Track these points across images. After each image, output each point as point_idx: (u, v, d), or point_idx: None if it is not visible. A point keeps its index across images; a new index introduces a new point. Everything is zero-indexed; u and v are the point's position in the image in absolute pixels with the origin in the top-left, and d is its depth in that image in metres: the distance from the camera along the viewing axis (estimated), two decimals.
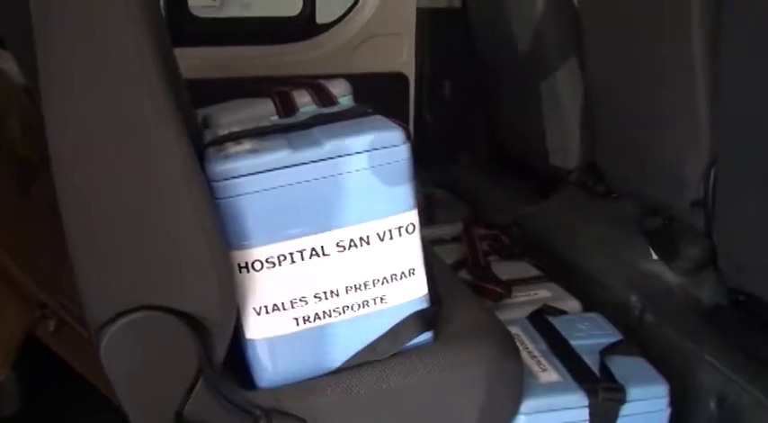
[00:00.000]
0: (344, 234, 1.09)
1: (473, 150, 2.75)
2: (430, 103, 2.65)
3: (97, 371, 1.73)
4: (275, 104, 1.33)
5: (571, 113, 2.15)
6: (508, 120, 2.55)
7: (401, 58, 2.58)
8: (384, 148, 1.09)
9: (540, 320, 1.54)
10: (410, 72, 2.60)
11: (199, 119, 1.37)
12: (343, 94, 1.39)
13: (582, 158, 2.15)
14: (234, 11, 2.62)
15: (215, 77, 2.09)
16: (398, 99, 2.54)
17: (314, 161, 1.06)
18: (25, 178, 1.82)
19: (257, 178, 1.04)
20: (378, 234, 1.11)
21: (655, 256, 1.78)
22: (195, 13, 2.38)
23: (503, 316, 1.40)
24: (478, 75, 2.59)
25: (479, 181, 2.56)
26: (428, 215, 2.25)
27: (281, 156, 1.05)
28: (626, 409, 1.33)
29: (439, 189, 2.44)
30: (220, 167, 1.03)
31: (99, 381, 1.73)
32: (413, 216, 1.14)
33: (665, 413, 1.37)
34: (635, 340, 1.53)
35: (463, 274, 1.84)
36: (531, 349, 1.44)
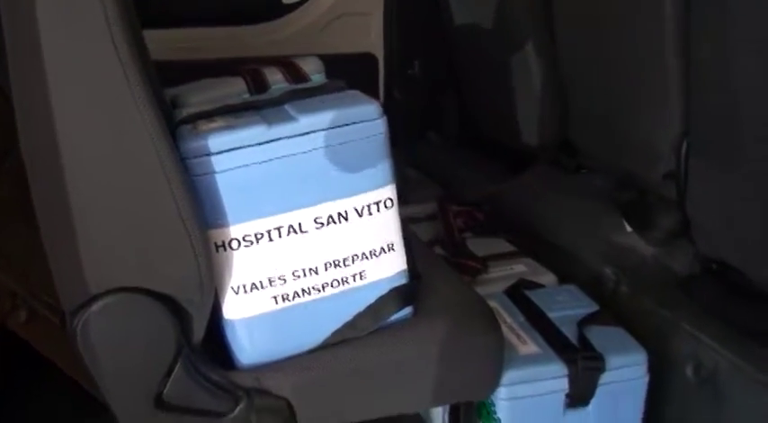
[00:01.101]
0: (322, 210, 1.08)
1: (444, 129, 2.75)
2: (399, 82, 2.64)
3: (70, 359, 1.72)
4: (246, 82, 1.30)
5: (543, 90, 2.15)
6: (479, 98, 2.55)
7: (369, 37, 2.56)
8: (360, 122, 1.08)
9: (518, 294, 1.55)
10: (379, 52, 2.59)
11: (167, 99, 1.35)
12: (315, 72, 1.37)
13: (553, 135, 2.16)
14: None
15: (182, 59, 2.06)
16: (368, 79, 2.53)
17: (289, 137, 1.04)
18: None
19: (232, 155, 1.02)
20: (356, 209, 1.10)
21: (628, 228, 1.79)
22: None
23: (480, 291, 1.39)
24: (448, 54, 2.58)
25: (451, 160, 2.57)
26: (401, 195, 2.25)
27: (256, 132, 1.03)
28: (605, 378, 1.35)
29: (411, 168, 2.44)
30: (193, 144, 1.01)
31: (72, 369, 1.71)
32: (390, 191, 1.14)
33: (644, 381, 1.40)
34: (611, 311, 1.55)
35: (439, 251, 1.84)
36: (510, 322, 1.45)
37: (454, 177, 2.42)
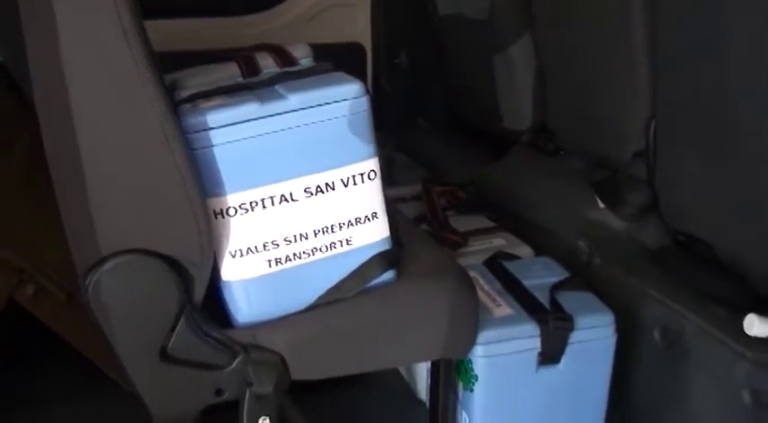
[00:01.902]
0: (311, 181, 1.17)
1: (430, 116, 2.83)
2: (387, 71, 2.72)
3: (75, 333, 1.82)
4: (239, 67, 1.38)
5: (523, 78, 2.24)
6: (463, 86, 2.63)
7: (357, 28, 2.64)
8: (345, 100, 1.17)
9: (495, 265, 1.64)
10: (366, 42, 2.67)
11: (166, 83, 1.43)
12: (304, 57, 1.45)
13: (533, 120, 2.25)
14: None
15: (174, 50, 2.14)
16: (356, 68, 2.59)
17: (280, 113, 1.13)
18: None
19: (228, 130, 1.11)
20: (342, 180, 1.19)
21: (601, 205, 1.88)
22: None
23: (461, 263, 1.47)
24: (434, 43, 2.66)
25: (436, 144, 2.65)
26: (388, 177, 2.33)
27: (250, 108, 1.12)
28: (574, 337, 1.44)
29: (398, 153, 2.53)
30: (193, 120, 1.10)
31: (77, 342, 1.81)
32: (374, 163, 1.22)
33: (612, 340, 1.48)
34: (584, 280, 1.65)
35: (423, 227, 1.93)
36: (487, 289, 1.54)
37: (440, 161, 2.50)
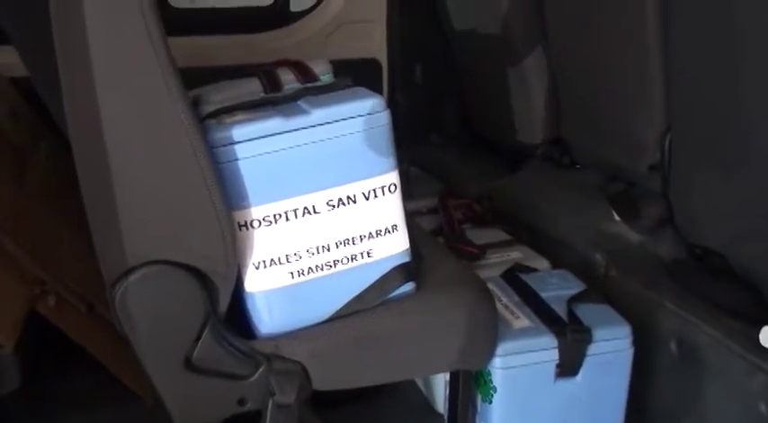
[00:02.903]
0: (333, 194, 1.20)
1: (445, 131, 2.84)
2: (402, 87, 2.74)
3: (98, 344, 1.84)
4: (261, 82, 1.41)
5: (537, 92, 2.26)
6: (478, 101, 2.66)
7: (374, 43, 2.66)
8: (366, 115, 1.19)
9: (513, 277, 1.65)
10: (383, 57, 2.69)
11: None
12: (324, 73, 1.48)
13: (547, 133, 2.27)
14: (210, 1, 2.70)
15: (194, 66, 2.17)
16: (372, 84, 2.62)
17: (303, 128, 1.16)
18: (20, 165, 1.90)
19: (252, 144, 1.14)
20: (363, 193, 1.22)
21: (617, 218, 1.89)
22: (174, 4, 2.46)
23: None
24: (449, 59, 2.69)
25: (452, 158, 2.67)
26: (404, 191, 2.35)
27: (274, 123, 1.15)
28: (592, 349, 1.45)
29: (414, 167, 2.54)
30: (219, 135, 1.13)
31: (97, 350, 1.83)
32: (394, 176, 1.25)
33: (629, 352, 1.49)
34: (601, 293, 1.65)
35: (440, 240, 1.95)
36: (505, 302, 1.55)
37: (455, 174, 2.52)
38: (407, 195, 2.37)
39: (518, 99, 2.35)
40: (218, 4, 2.72)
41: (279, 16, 2.58)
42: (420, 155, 2.69)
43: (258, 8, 2.65)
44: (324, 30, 2.58)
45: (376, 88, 2.78)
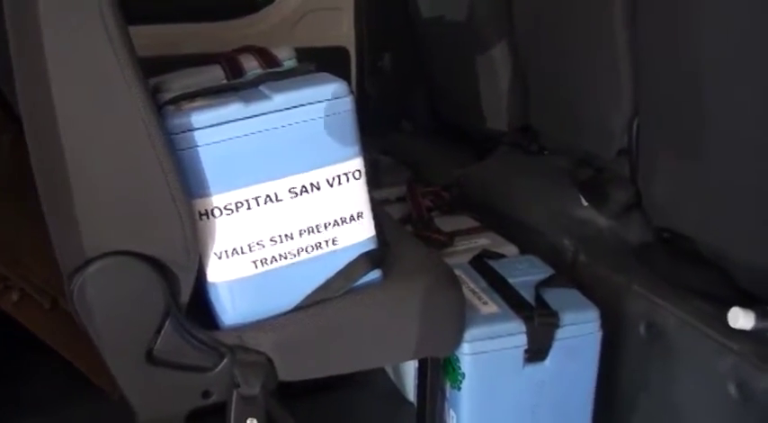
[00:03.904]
0: (296, 181, 1.18)
1: (414, 119, 2.84)
2: (371, 75, 2.73)
3: (61, 339, 1.81)
4: (223, 69, 1.39)
5: (505, 79, 2.27)
6: (446, 89, 2.65)
7: (341, 31, 2.65)
8: (328, 100, 1.17)
9: (481, 264, 1.65)
10: (350, 45, 2.68)
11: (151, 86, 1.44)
12: (287, 59, 1.46)
13: (516, 121, 2.27)
14: None
15: (159, 55, 2.14)
16: (340, 71, 2.60)
17: (264, 113, 1.14)
18: None
19: (212, 130, 1.11)
20: (327, 180, 1.20)
21: (585, 203, 1.90)
22: None
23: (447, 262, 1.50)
24: (417, 46, 2.68)
25: (421, 147, 2.66)
26: (373, 179, 2.34)
27: (234, 109, 1.13)
28: (560, 333, 1.45)
29: (383, 155, 2.53)
30: (177, 121, 1.10)
31: (60, 346, 1.80)
32: (359, 163, 1.23)
33: (597, 336, 1.49)
34: (570, 278, 1.65)
35: (408, 228, 1.94)
36: (473, 288, 1.54)
37: (424, 162, 2.51)
38: (376, 184, 2.37)
39: (486, 87, 2.35)
40: None
41: (245, 4, 2.56)
42: (389, 143, 2.68)
43: None
44: (290, 18, 2.57)
45: (344, 76, 2.76)
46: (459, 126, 2.62)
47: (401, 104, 2.83)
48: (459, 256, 1.75)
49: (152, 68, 1.35)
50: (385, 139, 2.66)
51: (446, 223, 1.97)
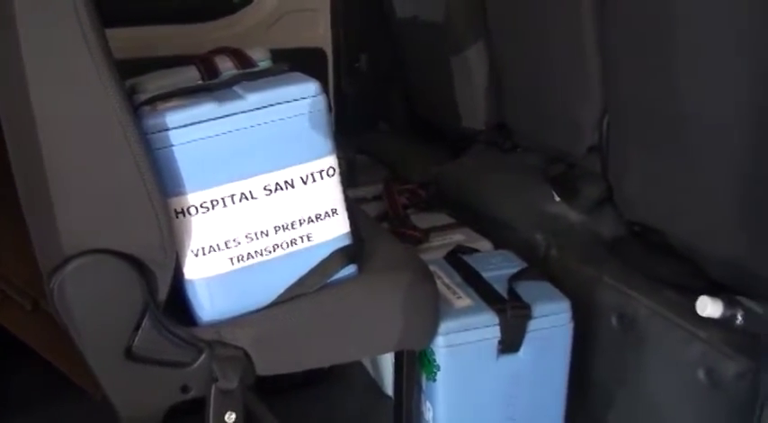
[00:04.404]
0: (270, 178, 1.20)
1: (392, 119, 2.87)
2: (348, 75, 2.75)
3: (42, 341, 1.82)
4: (199, 70, 1.41)
5: (479, 78, 2.30)
6: (422, 88, 2.68)
7: (318, 33, 2.65)
8: (301, 99, 1.20)
9: (455, 259, 1.68)
10: (327, 46, 2.69)
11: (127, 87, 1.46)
12: (262, 59, 1.48)
13: (490, 119, 2.31)
14: None
15: (135, 57, 2.15)
16: (317, 73, 2.62)
17: (238, 113, 1.16)
18: None
19: (187, 130, 1.13)
20: (301, 177, 1.22)
21: (557, 199, 1.94)
22: None
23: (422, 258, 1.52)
24: (393, 47, 2.71)
25: (398, 145, 2.69)
26: (351, 178, 2.37)
27: (208, 108, 1.15)
28: (532, 325, 1.48)
29: (361, 155, 2.56)
30: (152, 121, 1.13)
31: (42, 347, 1.81)
32: (332, 160, 1.25)
33: (569, 327, 1.53)
34: (543, 272, 1.69)
35: (385, 225, 1.96)
36: (447, 282, 1.57)
37: (401, 161, 2.54)
38: (353, 183, 2.40)
39: (461, 86, 2.38)
40: None
41: (222, 6, 2.56)
42: (367, 143, 2.70)
43: None
44: (267, 19, 2.57)
45: (321, 77, 2.77)
46: (436, 125, 2.65)
47: (378, 104, 2.86)
48: (435, 252, 1.78)
49: (130, 70, 1.38)
50: (362, 139, 2.69)
51: (422, 220, 2.00)
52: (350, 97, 2.75)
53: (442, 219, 2.03)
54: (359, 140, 2.65)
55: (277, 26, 2.58)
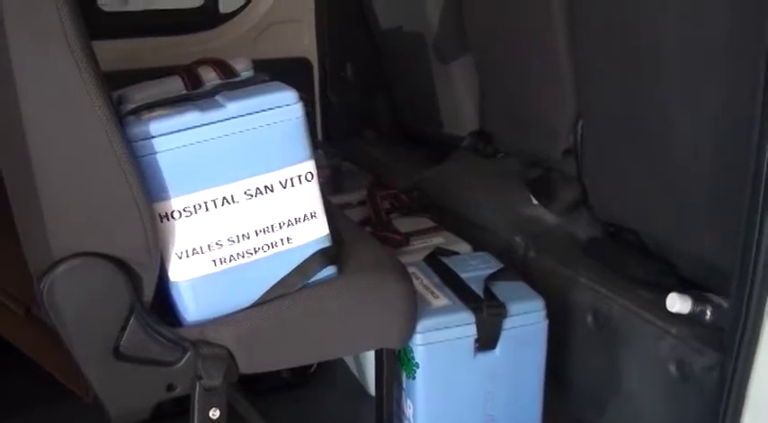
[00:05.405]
0: (251, 183, 1.25)
1: (377, 126, 2.92)
2: (333, 85, 2.80)
3: (33, 344, 1.85)
4: (183, 80, 1.45)
5: (461, 87, 2.36)
6: (406, 96, 2.74)
7: (304, 43, 2.72)
8: (279, 107, 1.25)
9: (434, 261, 1.72)
10: (313, 56, 2.75)
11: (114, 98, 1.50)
12: (245, 70, 1.52)
13: (472, 126, 2.37)
14: (140, 4, 2.73)
15: (122, 69, 2.19)
16: (303, 82, 2.68)
17: (219, 121, 1.21)
18: None
19: (170, 138, 1.18)
20: (280, 182, 1.27)
21: (535, 202, 1.99)
22: (104, 8, 2.48)
23: (403, 261, 1.53)
24: (378, 56, 2.77)
25: (382, 152, 2.74)
26: (336, 185, 2.43)
27: (191, 117, 1.20)
28: (508, 323, 1.53)
29: (346, 162, 2.61)
30: (137, 130, 1.17)
31: (34, 352, 1.84)
32: (310, 165, 1.29)
33: (543, 325, 1.57)
34: (521, 273, 1.73)
35: (367, 229, 2.01)
36: (426, 283, 1.62)
37: (385, 167, 2.59)
38: (338, 189, 2.44)
39: (444, 95, 2.44)
40: (149, 5, 2.74)
41: (209, 18, 2.62)
42: (353, 150, 2.75)
43: (188, 10, 2.68)
44: (253, 30, 2.63)
45: (307, 86, 2.81)
46: (420, 132, 2.70)
47: (364, 113, 2.91)
48: (415, 255, 1.82)
49: (116, 82, 1.42)
50: (348, 146, 2.74)
51: (404, 224, 2.05)
52: (336, 106, 2.80)
53: (424, 223, 2.08)
54: (345, 148, 2.70)
55: (263, 37, 2.64)
